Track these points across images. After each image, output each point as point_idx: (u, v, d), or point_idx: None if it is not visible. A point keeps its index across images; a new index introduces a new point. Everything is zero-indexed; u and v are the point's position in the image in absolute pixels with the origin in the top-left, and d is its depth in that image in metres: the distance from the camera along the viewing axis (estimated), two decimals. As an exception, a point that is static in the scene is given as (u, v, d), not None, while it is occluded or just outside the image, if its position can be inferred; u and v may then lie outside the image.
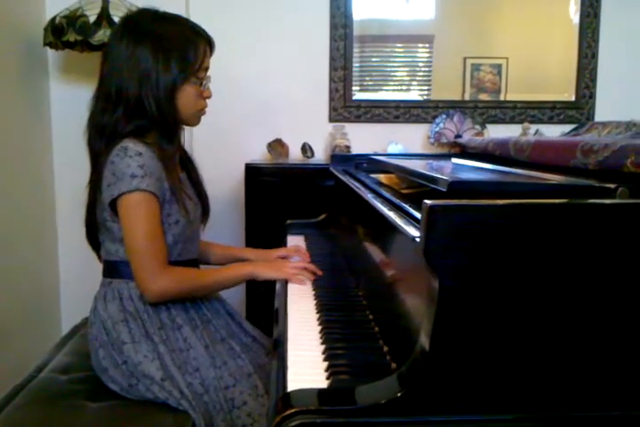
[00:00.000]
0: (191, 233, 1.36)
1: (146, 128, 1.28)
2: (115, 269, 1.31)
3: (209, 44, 1.34)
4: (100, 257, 1.38)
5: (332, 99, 2.46)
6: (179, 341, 1.26)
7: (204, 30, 1.34)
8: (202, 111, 1.37)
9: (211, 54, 1.36)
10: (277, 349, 0.96)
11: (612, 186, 0.80)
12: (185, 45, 1.28)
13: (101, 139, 1.27)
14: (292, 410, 0.67)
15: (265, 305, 1.44)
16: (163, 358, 1.22)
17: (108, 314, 1.28)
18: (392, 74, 2.54)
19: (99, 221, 1.30)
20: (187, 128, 1.42)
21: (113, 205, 1.24)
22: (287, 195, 2.14)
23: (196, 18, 1.35)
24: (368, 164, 1.77)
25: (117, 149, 1.22)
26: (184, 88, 1.29)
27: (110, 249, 1.31)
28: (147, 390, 1.21)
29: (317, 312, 1.11)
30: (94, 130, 1.29)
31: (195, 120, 1.38)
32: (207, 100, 1.37)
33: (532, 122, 2.38)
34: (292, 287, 1.29)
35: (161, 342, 1.24)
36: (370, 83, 2.54)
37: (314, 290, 1.26)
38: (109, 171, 1.22)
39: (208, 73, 1.36)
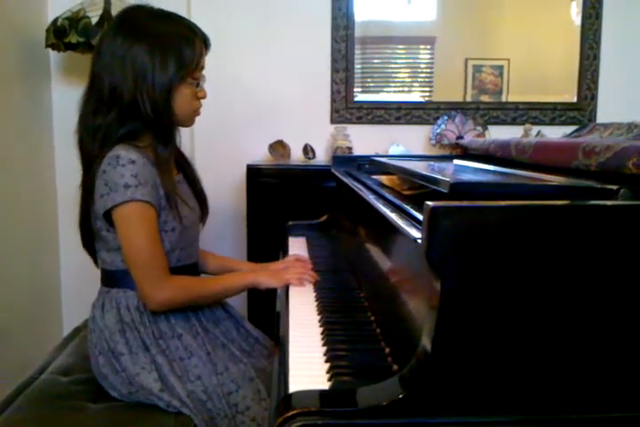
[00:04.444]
0: (189, 238, 1.33)
1: (139, 131, 1.23)
2: (112, 279, 1.28)
3: (204, 42, 1.29)
4: (96, 263, 1.34)
5: (333, 100, 2.46)
6: (179, 349, 1.24)
7: (199, 28, 1.29)
8: (196, 112, 1.32)
9: (206, 53, 1.31)
10: (279, 350, 0.96)
11: (614, 187, 0.79)
12: (182, 44, 1.23)
13: (94, 142, 1.22)
14: (294, 411, 0.67)
15: (266, 306, 1.44)
16: (161, 369, 1.20)
17: (105, 324, 1.25)
18: (394, 75, 2.54)
19: (93, 230, 1.27)
20: (188, 129, 1.40)
21: (107, 215, 1.20)
22: (289, 196, 2.14)
23: (197, 20, 1.34)
24: (369, 165, 1.77)
25: (109, 158, 1.17)
26: (180, 88, 1.24)
27: (106, 258, 1.28)
28: (146, 398, 1.20)
29: (319, 314, 1.11)
30: (86, 132, 1.23)
31: (189, 121, 1.33)
32: (203, 101, 1.33)
33: (533, 123, 2.37)
34: (293, 289, 1.29)
35: (158, 352, 1.21)
36: (371, 84, 2.54)
37: (315, 291, 1.26)
38: (102, 181, 1.18)
39: (203, 73, 1.31)
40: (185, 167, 1.40)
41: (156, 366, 1.20)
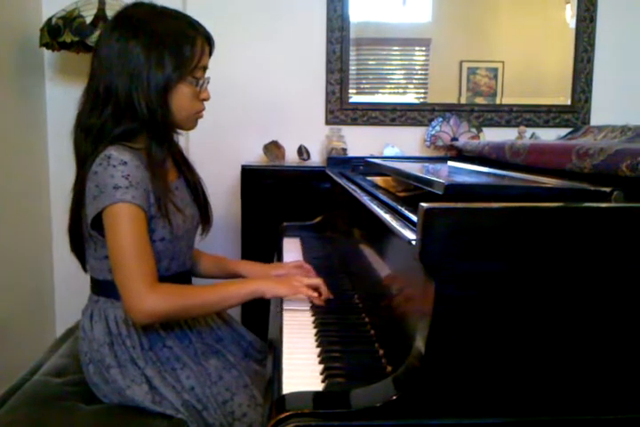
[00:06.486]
0: (182, 247, 1.26)
1: (135, 131, 1.18)
2: (100, 288, 1.23)
3: (208, 41, 1.24)
4: (85, 269, 1.29)
5: (328, 101, 2.47)
6: (170, 360, 1.20)
7: (203, 27, 1.24)
8: (198, 114, 1.26)
9: (210, 53, 1.26)
10: (272, 352, 0.96)
11: (608, 189, 0.80)
12: (181, 41, 1.17)
13: (87, 141, 1.18)
14: (287, 413, 0.67)
15: (260, 308, 1.43)
16: (151, 381, 1.16)
17: (93, 335, 1.22)
18: (388, 77, 2.54)
19: (83, 234, 1.21)
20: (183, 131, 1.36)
21: (97, 219, 1.13)
22: (283, 197, 2.14)
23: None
24: (364, 166, 1.77)
25: (100, 158, 1.12)
26: (178, 88, 1.19)
27: (94, 266, 1.23)
28: (139, 408, 1.17)
29: (313, 315, 1.10)
30: (81, 131, 1.19)
31: (190, 123, 1.27)
32: (204, 103, 1.27)
33: (527, 125, 2.38)
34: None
35: (147, 364, 1.18)
36: (366, 85, 2.54)
37: (309, 292, 1.26)
38: (93, 182, 1.12)
39: (207, 74, 1.25)
40: (185, 171, 1.34)
41: (146, 379, 1.17)
